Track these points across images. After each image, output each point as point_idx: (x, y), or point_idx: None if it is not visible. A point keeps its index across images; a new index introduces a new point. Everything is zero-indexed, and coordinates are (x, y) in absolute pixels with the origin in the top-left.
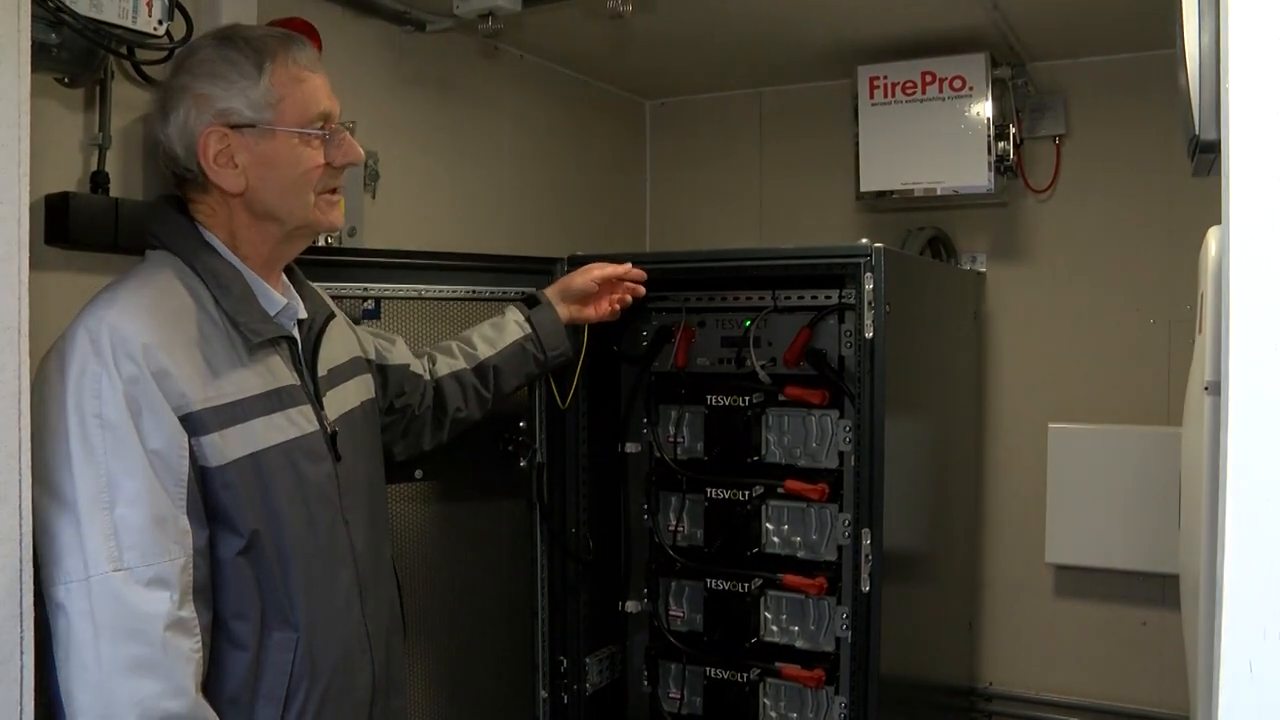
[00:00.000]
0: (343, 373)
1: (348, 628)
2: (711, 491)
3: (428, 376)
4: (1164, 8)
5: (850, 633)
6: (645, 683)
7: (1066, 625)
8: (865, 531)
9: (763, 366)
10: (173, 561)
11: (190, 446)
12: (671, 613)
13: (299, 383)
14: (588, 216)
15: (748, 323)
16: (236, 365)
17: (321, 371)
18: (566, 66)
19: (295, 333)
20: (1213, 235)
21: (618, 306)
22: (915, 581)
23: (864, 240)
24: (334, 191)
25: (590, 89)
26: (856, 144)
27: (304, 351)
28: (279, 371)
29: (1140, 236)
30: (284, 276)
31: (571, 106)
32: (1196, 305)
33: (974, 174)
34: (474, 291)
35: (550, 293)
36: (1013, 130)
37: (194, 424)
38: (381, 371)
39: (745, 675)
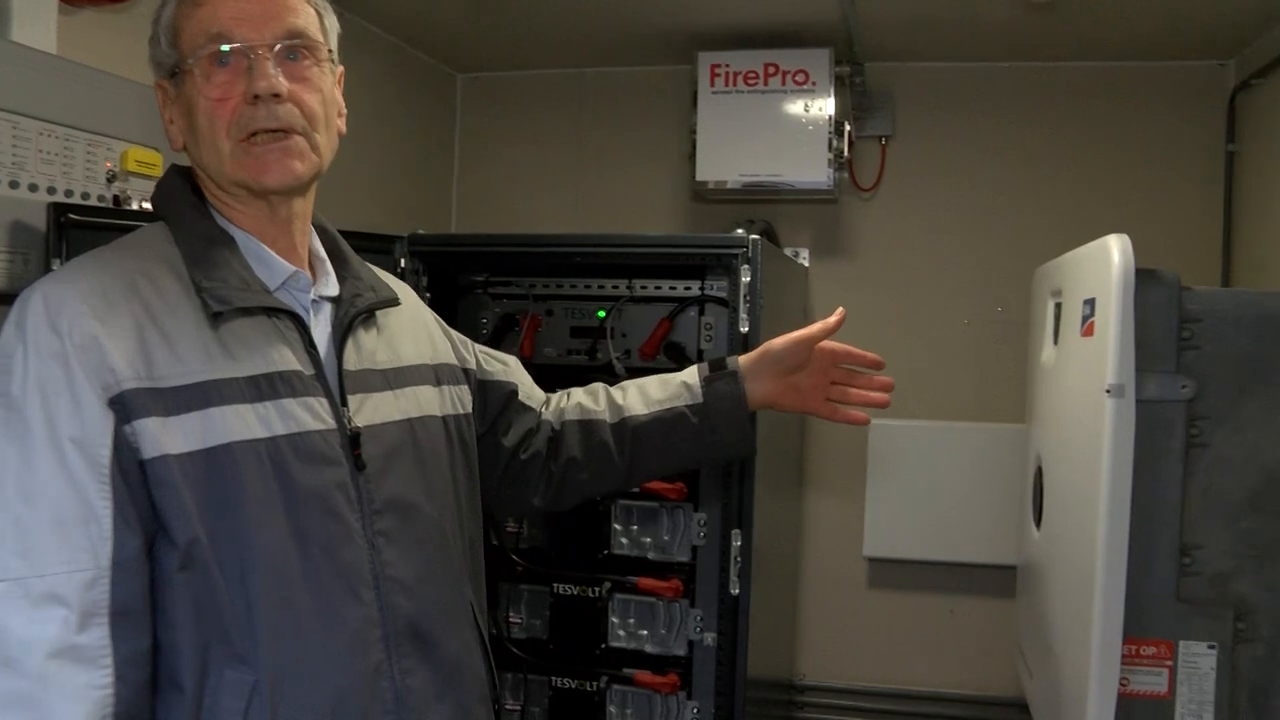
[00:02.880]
0: (403, 376)
1: (350, 681)
2: None
3: (546, 414)
4: (1000, 23)
5: (708, 635)
6: None
7: (878, 616)
8: (735, 532)
9: (618, 358)
10: (74, 574)
11: (121, 433)
12: (510, 620)
13: (312, 372)
14: (397, 193)
15: (602, 313)
16: (206, 343)
17: (352, 365)
18: (388, 31)
19: (305, 311)
20: (1114, 242)
21: (838, 411)
22: (763, 580)
23: (739, 231)
24: (270, 134)
25: (404, 56)
26: (694, 132)
27: (335, 336)
28: (279, 355)
29: (955, 240)
30: (318, 250)
31: (383, 73)
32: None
33: (813, 169)
34: None
35: (746, 361)
36: (848, 128)
37: (125, 406)
38: (481, 388)
39: (595, 684)
